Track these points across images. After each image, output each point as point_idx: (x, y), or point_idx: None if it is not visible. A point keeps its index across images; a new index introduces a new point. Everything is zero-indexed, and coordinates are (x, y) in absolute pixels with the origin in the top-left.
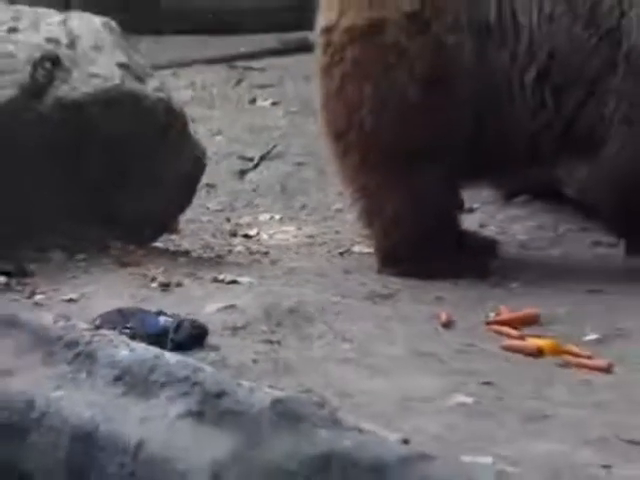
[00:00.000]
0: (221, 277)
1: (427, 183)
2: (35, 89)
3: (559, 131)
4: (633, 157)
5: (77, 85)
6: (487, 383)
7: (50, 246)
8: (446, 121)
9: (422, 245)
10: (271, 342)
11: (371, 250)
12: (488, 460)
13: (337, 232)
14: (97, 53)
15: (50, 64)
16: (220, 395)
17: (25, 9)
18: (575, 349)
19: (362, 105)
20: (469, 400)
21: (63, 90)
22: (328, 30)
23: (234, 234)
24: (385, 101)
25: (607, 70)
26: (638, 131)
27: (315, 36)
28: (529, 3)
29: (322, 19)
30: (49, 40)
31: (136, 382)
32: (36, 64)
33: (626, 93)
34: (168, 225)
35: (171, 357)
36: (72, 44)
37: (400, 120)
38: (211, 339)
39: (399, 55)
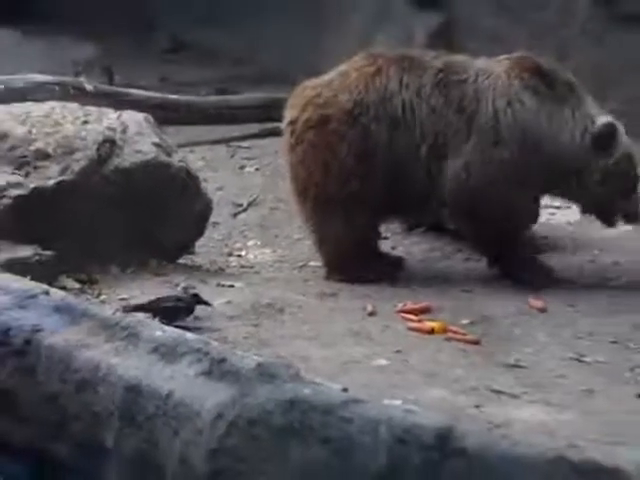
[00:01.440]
0: (222, 283)
1: (355, 221)
2: (99, 161)
3: (439, 185)
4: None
5: (127, 158)
6: (398, 351)
7: (110, 263)
8: (370, 182)
9: (353, 261)
10: (255, 325)
11: (321, 264)
12: (399, 402)
13: (299, 253)
14: (140, 137)
15: (109, 144)
16: (222, 360)
17: (93, 109)
18: (455, 329)
19: (316, 171)
20: (386, 363)
21: (118, 161)
22: (293, 122)
23: (230, 254)
24: (330, 169)
25: (465, 140)
26: (473, 182)
27: (283, 126)
28: (420, 101)
29: (288, 115)
30: (109, 128)
31: (167, 352)
32: (100, 144)
33: (473, 156)
34: (188, 248)
35: (190, 336)
36: (124, 131)
37: (339, 181)
38: (216, 324)
39: (339, 138)
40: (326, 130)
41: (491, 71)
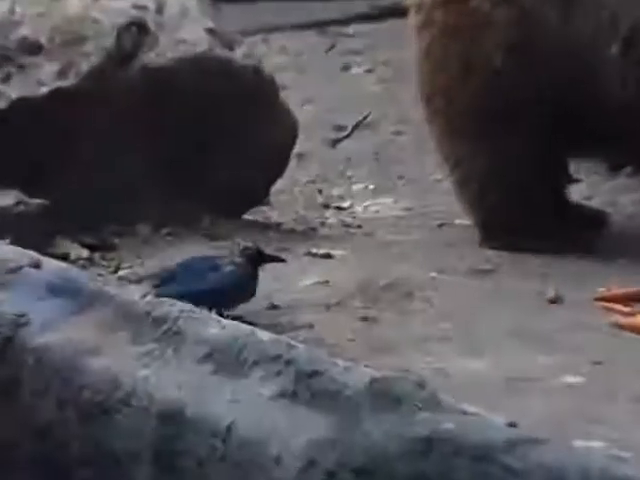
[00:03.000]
0: (314, 251)
1: (515, 149)
2: (121, 56)
3: None
4: None
5: (164, 52)
6: (597, 362)
7: (135, 219)
8: (531, 90)
9: (522, 216)
10: (367, 319)
11: (472, 222)
12: (598, 444)
13: (436, 204)
14: (184, 19)
15: (136, 30)
16: (314, 374)
17: None
18: None
19: (447, 68)
20: (578, 380)
21: (150, 57)
22: None
23: (326, 206)
24: (467, 64)
25: None
26: None
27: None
28: None
29: None
30: (136, 6)
31: (226, 360)
32: (122, 30)
33: None
34: (259, 197)
35: (263, 335)
36: (159, 9)
37: (484, 86)
38: (304, 316)
39: (483, 21)
40: (464, 7)
41: None
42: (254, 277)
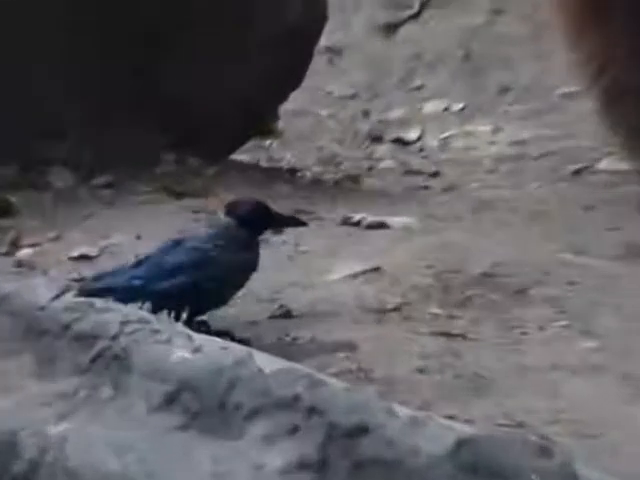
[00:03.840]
0: (356, 217)
1: None
2: None
3: None
4: None
5: None
6: None
7: (48, 160)
8: None
9: None
10: (449, 335)
11: (631, 167)
12: None
13: (567, 135)
14: None
15: None
16: (358, 432)
17: None
18: None
19: None
20: None
21: None
22: None
23: (378, 138)
24: None
25: None
26: None
27: None
28: None
29: None
30: None
31: (204, 406)
32: None
33: None
34: (258, 121)
35: (267, 362)
36: None
37: None
38: (340, 330)
39: None
40: None
41: None
42: (253, 251)
